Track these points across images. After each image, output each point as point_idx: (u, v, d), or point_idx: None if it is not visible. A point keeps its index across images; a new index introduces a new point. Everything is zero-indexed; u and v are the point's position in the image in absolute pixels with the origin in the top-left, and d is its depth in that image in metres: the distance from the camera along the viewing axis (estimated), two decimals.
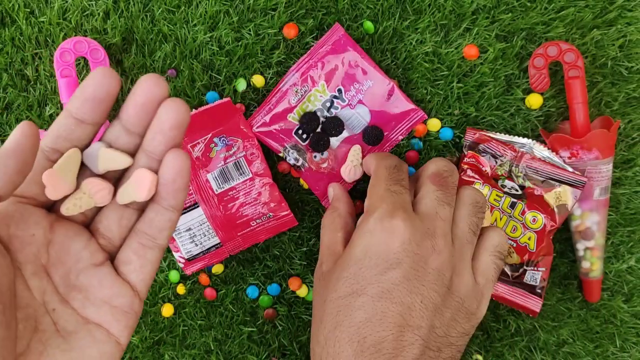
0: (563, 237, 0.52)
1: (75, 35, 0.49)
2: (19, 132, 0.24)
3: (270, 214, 0.49)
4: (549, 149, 0.49)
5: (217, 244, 0.49)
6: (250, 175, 0.49)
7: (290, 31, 0.49)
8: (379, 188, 0.41)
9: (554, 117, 0.51)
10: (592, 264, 0.50)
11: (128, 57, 0.49)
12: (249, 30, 0.49)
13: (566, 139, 0.48)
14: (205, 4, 0.49)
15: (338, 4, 0.49)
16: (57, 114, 0.50)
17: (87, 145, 0.28)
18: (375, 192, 0.41)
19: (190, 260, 0.50)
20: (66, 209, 0.28)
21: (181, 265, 0.50)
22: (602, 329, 0.53)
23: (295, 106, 0.49)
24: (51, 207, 0.29)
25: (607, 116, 0.50)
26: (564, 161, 0.49)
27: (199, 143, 0.48)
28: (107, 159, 0.28)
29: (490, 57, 0.49)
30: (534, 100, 0.50)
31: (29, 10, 0.49)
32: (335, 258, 0.42)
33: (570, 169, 0.48)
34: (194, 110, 0.48)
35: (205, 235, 0.49)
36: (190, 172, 0.28)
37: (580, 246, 0.50)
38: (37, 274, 0.27)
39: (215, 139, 0.48)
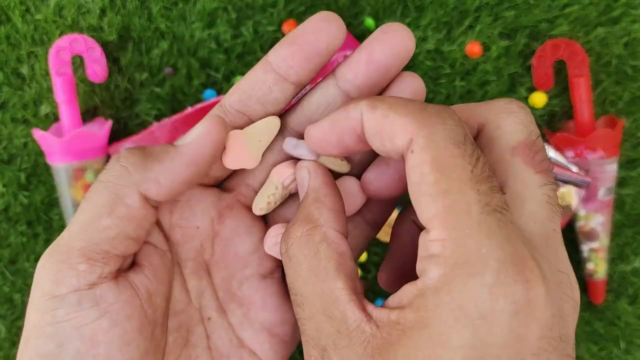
0: (567, 238, 0.51)
1: (71, 33, 0.48)
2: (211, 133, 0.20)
3: None
4: (553, 148, 0.49)
5: None
6: None
7: (289, 28, 0.48)
8: (467, 202, 0.18)
9: (558, 116, 0.50)
10: (597, 265, 0.50)
11: (125, 55, 0.48)
12: (248, 27, 0.48)
13: (570, 138, 0.47)
14: (203, 1, 0.48)
15: (338, 1, 0.48)
16: (53, 113, 0.49)
17: (280, 112, 0.23)
18: (461, 214, 0.18)
19: None
20: (259, 209, 0.23)
21: None
22: (606, 331, 0.53)
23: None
24: (220, 184, 0.24)
25: (611, 115, 0.49)
26: (568, 161, 0.48)
27: None
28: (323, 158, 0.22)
29: (493, 55, 0.49)
30: (538, 99, 0.49)
31: (24, 7, 0.48)
32: (359, 338, 0.18)
33: (575, 169, 0.48)
34: (189, 108, 0.47)
35: None
36: None
37: (585, 247, 0.50)
38: (197, 272, 0.23)
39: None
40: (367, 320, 0.18)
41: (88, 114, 0.49)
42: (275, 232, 0.23)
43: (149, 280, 0.21)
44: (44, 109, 0.49)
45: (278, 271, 0.24)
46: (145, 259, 0.21)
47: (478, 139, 0.21)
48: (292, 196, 0.24)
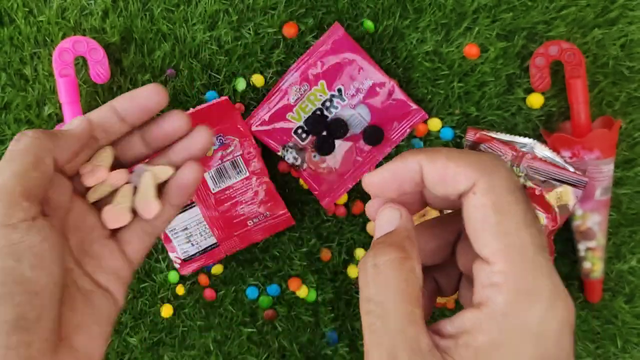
0: (564, 238, 0.52)
1: (74, 35, 0.49)
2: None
3: (267, 212, 0.49)
4: (550, 148, 0.49)
5: (213, 244, 0.49)
6: (247, 174, 0.49)
7: (290, 30, 0.49)
8: (523, 243, 0.23)
9: (555, 116, 0.51)
10: (594, 265, 0.50)
11: (127, 57, 0.49)
12: (249, 29, 0.49)
13: (567, 138, 0.48)
14: (205, 3, 0.48)
15: (338, 3, 0.49)
16: (56, 114, 0.50)
17: (114, 141, 0.32)
18: (520, 253, 0.22)
19: (186, 260, 0.49)
20: (92, 198, 0.32)
21: (177, 265, 0.49)
22: (603, 330, 0.53)
23: (295, 105, 0.49)
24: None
25: (608, 116, 0.49)
26: (565, 161, 0.49)
27: None
28: (155, 173, 0.32)
29: (491, 57, 0.49)
30: (535, 100, 0.50)
31: (27, 9, 0.49)
32: (422, 357, 0.22)
33: (572, 169, 0.48)
34: (191, 109, 0.48)
35: (201, 235, 0.49)
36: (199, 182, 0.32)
37: (582, 246, 0.50)
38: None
39: (213, 138, 0.48)
40: (435, 347, 0.23)
41: None
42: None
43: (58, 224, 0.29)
44: (47, 110, 0.50)
45: (115, 238, 0.32)
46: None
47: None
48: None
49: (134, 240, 0.33)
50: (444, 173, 0.24)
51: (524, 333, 0.22)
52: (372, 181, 0.26)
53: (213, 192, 0.49)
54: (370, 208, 0.27)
